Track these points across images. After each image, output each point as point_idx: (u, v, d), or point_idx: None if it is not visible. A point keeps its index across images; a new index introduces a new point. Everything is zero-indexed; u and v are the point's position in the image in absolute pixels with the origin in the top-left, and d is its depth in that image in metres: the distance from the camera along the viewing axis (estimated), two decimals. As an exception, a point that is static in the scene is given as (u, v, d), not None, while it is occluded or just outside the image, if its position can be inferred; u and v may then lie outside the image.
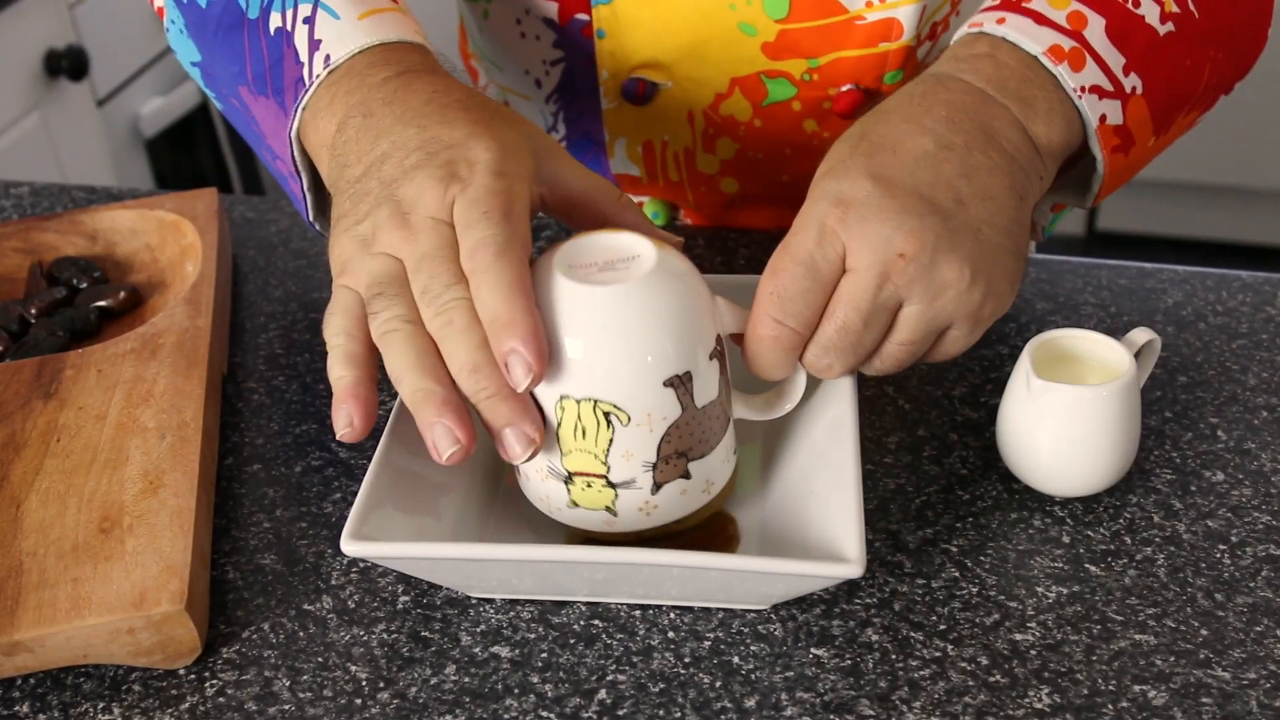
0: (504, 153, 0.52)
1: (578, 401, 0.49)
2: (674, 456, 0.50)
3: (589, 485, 0.51)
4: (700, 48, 0.72)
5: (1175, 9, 0.59)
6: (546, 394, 0.49)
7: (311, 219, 0.63)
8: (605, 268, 0.50)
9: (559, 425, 0.50)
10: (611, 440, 0.49)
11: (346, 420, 0.50)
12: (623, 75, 0.74)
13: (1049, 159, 0.57)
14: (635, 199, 0.82)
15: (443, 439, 0.49)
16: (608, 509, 0.51)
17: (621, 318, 0.48)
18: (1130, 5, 0.58)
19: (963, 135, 0.54)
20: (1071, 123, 0.57)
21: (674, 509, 0.52)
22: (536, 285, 0.50)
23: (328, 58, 0.59)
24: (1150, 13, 0.58)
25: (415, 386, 0.49)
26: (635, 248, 0.51)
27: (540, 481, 0.52)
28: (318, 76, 0.59)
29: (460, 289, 0.49)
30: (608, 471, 0.50)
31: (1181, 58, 0.59)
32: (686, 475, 0.51)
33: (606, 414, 0.49)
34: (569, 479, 0.51)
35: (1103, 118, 0.57)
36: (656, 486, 0.51)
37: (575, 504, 0.52)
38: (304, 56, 0.59)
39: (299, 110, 0.59)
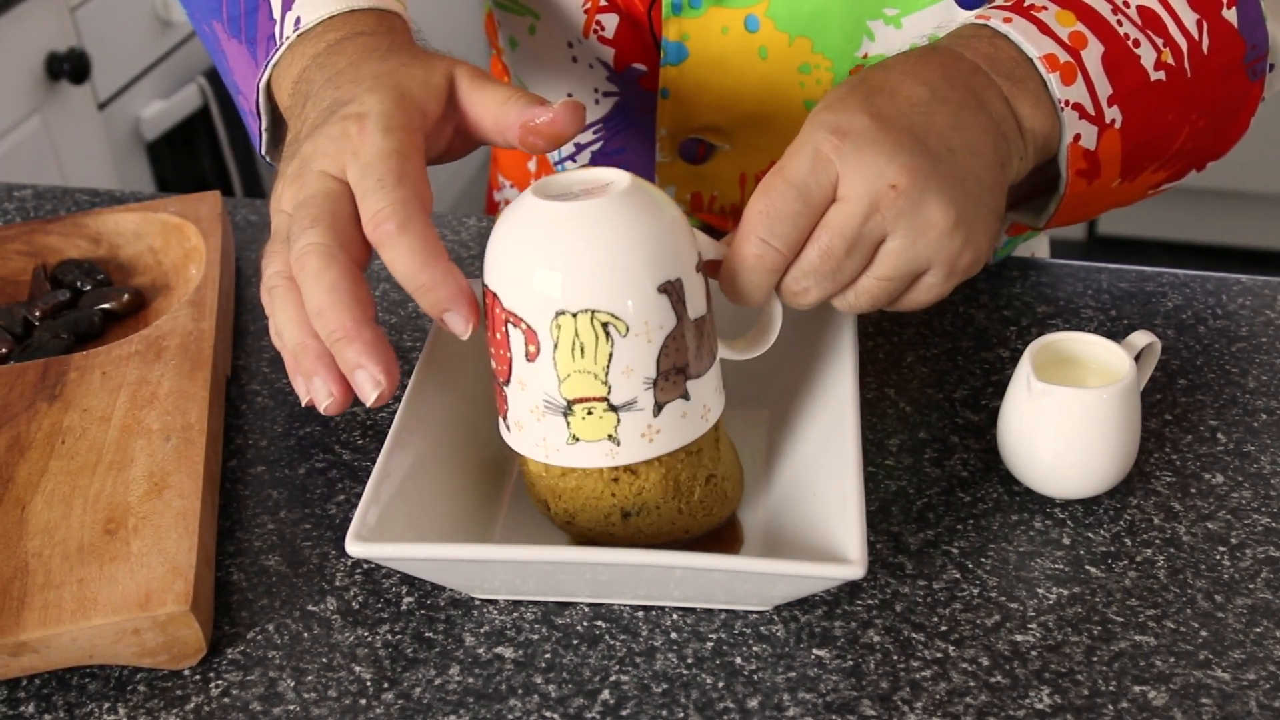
0: (395, 103, 0.54)
1: (574, 315, 0.49)
2: (673, 372, 0.50)
3: (590, 412, 0.50)
4: (764, 119, 0.73)
5: (1170, 61, 0.60)
6: (540, 316, 0.49)
7: (265, 154, 0.66)
8: (583, 194, 0.50)
9: (555, 348, 0.49)
10: (611, 355, 0.49)
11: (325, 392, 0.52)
12: (682, 135, 0.75)
13: (1030, 143, 0.58)
14: None
15: (318, 391, 0.52)
16: (610, 438, 0.51)
17: (610, 227, 0.49)
18: (1130, 43, 0.59)
19: (956, 93, 0.55)
20: (1052, 122, 0.58)
21: (675, 434, 0.52)
22: (517, 218, 0.50)
23: (298, 20, 0.61)
24: (1147, 56, 0.59)
25: (293, 341, 0.52)
26: (608, 176, 0.51)
27: (536, 423, 0.51)
28: (287, 38, 0.61)
29: (315, 233, 0.51)
30: (609, 393, 0.50)
31: (1165, 109, 0.60)
32: (685, 396, 0.51)
33: (605, 325, 0.49)
34: (568, 409, 0.50)
35: (1077, 137, 0.58)
36: (658, 407, 0.51)
37: (576, 438, 0.51)
38: (277, 14, 0.62)
39: (269, 66, 0.62)
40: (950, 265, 0.54)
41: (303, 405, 0.53)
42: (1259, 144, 2.30)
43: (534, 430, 0.52)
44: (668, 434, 0.51)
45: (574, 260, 0.49)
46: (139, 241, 0.77)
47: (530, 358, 0.50)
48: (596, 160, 0.80)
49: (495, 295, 0.50)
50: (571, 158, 0.81)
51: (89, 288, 0.74)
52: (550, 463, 0.52)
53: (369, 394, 0.51)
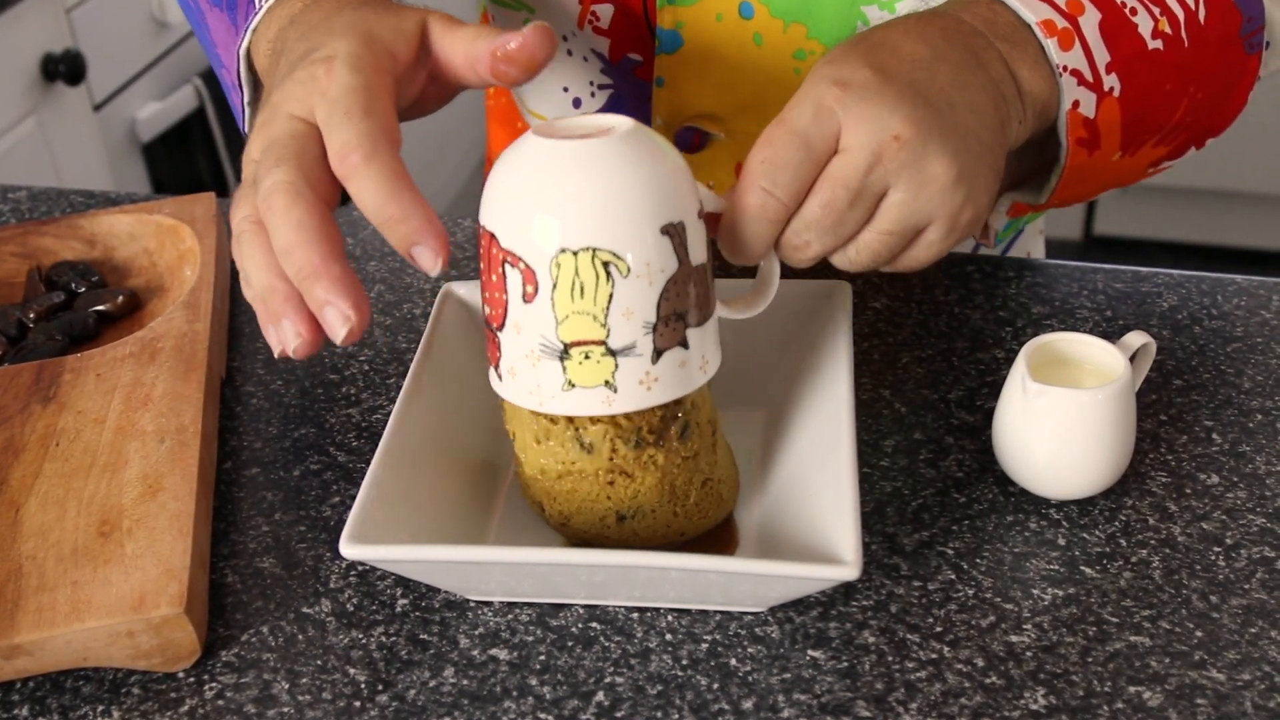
0: (363, 45, 0.53)
1: (575, 254, 0.48)
2: (673, 318, 0.50)
3: (587, 357, 0.49)
4: (760, 106, 0.73)
5: (1168, 30, 0.60)
6: (540, 255, 0.48)
7: (248, 130, 0.65)
8: (585, 136, 0.49)
9: (554, 288, 0.48)
10: (611, 295, 0.48)
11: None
12: (677, 123, 0.75)
13: (1029, 106, 0.57)
14: None
15: (286, 334, 0.51)
16: (607, 384, 0.50)
17: (613, 166, 0.48)
18: (1128, 11, 0.59)
19: (956, 53, 0.55)
20: (1050, 86, 0.58)
21: (673, 384, 0.51)
22: (517, 157, 0.49)
23: None
24: (1144, 24, 0.59)
25: (261, 284, 0.51)
26: (610, 121, 0.51)
27: (530, 369, 0.50)
28: (266, 2, 0.61)
29: (281, 172, 0.51)
30: (607, 336, 0.49)
31: (1162, 80, 0.60)
32: (685, 344, 0.50)
33: (606, 264, 0.48)
34: (565, 353, 0.49)
35: (1076, 103, 0.58)
36: (657, 354, 0.50)
37: (571, 384, 0.50)
38: None
39: (249, 31, 0.61)
40: (952, 221, 0.53)
41: (275, 355, 0.53)
42: (1254, 144, 2.31)
43: (528, 376, 0.50)
44: (665, 383, 0.50)
45: (576, 198, 0.48)
46: (134, 243, 0.77)
47: (527, 299, 0.49)
48: None
49: (492, 235, 0.49)
50: None
51: (84, 289, 0.74)
52: (544, 411, 0.51)
53: (338, 331, 0.50)
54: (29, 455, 0.59)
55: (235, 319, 0.74)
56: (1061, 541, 0.57)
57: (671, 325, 0.50)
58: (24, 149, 1.53)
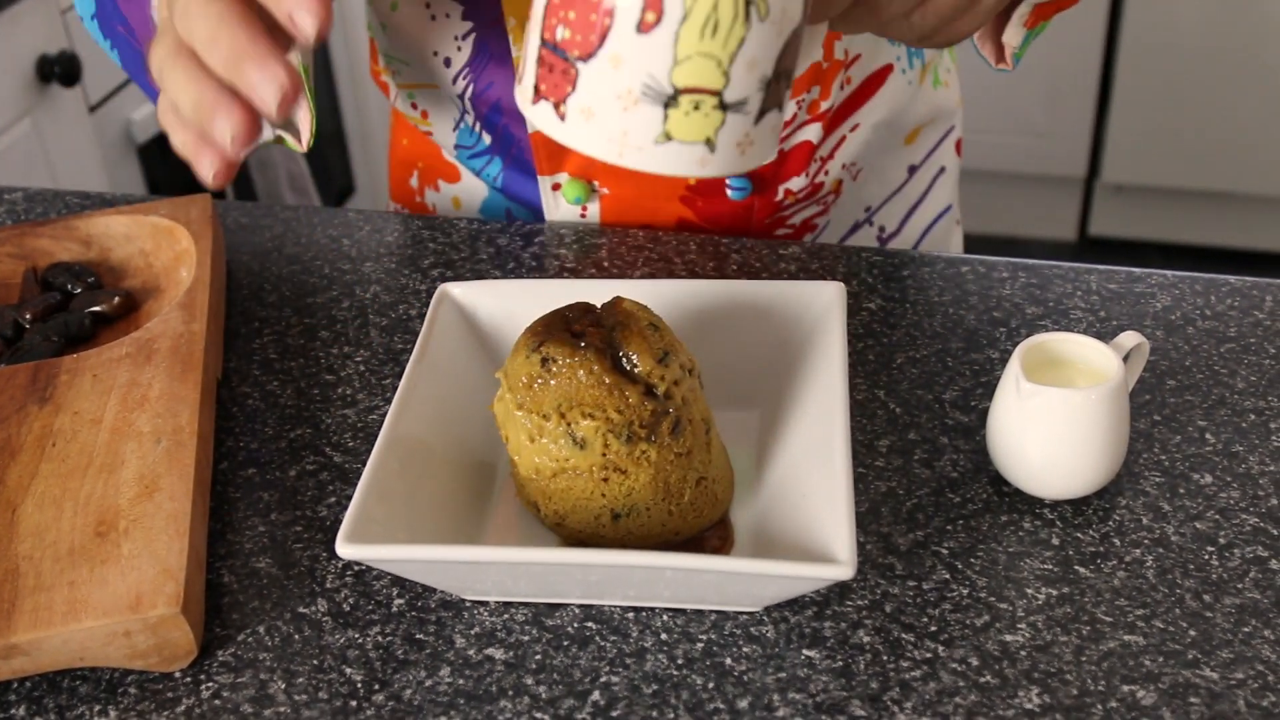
0: None
1: None
2: (784, 76, 0.45)
3: (696, 107, 0.43)
4: None
5: None
6: None
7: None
8: None
9: (684, 20, 0.42)
10: (743, 41, 0.43)
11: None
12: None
13: None
14: (554, 179, 0.82)
15: (221, 130, 0.49)
16: (708, 141, 0.44)
17: None
18: None
19: None
20: None
21: (762, 150, 0.46)
22: None
23: None
24: None
25: (191, 98, 0.50)
26: None
27: (620, 112, 0.44)
28: None
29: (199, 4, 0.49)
30: (724, 86, 0.43)
31: None
32: (780, 106, 0.46)
33: (748, 2, 0.42)
34: (673, 99, 0.43)
35: None
36: (760, 114, 0.45)
37: (668, 136, 0.44)
38: None
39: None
40: None
41: (211, 182, 0.51)
42: (1248, 145, 2.31)
43: (613, 121, 0.44)
44: (758, 147, 0.46)
45: None
46: (130, 244, 0.77)
47: (644, 28, 0.42)
48: (476, 104, 0.80)
49: None
50: (458, 124, 0.83)
51: (79, 290, 0.74)
52: (622, 163, 0.45)
53: (272, 99, 0.48)
54: (25, 456, 0.59)
55: (231, 320, 0.74)
56: (1055, 541, 0.57)
57: (781, 83, 0.45)
58: (19, 150, 1.53)
